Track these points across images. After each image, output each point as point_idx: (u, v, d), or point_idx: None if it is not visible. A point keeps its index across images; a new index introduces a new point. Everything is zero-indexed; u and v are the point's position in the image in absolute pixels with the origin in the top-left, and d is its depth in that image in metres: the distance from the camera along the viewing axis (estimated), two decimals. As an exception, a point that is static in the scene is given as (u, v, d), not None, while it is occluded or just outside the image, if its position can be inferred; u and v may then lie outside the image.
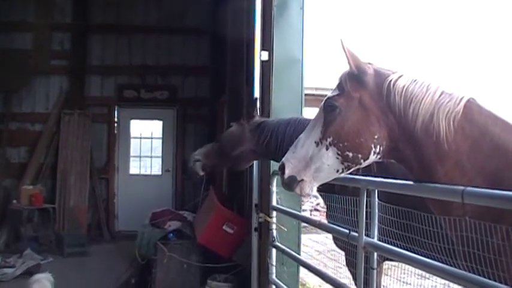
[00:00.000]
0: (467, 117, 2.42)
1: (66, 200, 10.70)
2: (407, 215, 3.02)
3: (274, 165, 5.16)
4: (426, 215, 2.81)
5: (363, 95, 2.60)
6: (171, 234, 7.04)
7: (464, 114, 2.42)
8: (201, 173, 4.82)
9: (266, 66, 5.45)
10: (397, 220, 3.09)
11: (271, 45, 5.36)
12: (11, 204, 10.02)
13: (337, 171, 2.69)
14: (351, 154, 2.60)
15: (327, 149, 2.64)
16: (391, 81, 2.56)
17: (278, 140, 4.16)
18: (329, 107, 2.66)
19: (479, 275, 2.27)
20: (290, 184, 2.74)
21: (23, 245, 9.33)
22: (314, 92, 13.36)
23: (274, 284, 5.00)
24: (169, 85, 12.09)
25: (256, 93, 5.46)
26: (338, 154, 2.62)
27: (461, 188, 2.25)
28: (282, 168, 2.74)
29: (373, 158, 2.63)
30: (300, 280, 5.84)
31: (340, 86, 2.69)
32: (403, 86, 2.52)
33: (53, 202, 10.57)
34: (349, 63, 2.61)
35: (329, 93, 2.74)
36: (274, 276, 5.01)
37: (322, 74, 13.05)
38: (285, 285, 4.86)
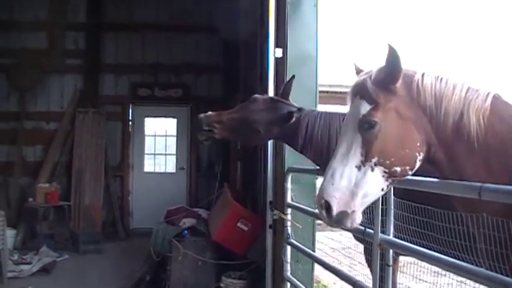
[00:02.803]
0: (495, 113, 2.34)
1: (81, 198, 10.75)
2: (423, 212, 3.01)
3: (289, 162, 5.16)
4: (443, 211, 2.79)
5: (397, 104, 2.43)
6: (186, 232, 7.06)
7: (492, 110, 2.34)
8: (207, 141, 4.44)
9: (280, 63, 5.45)
10: (413, 217, 3.07)
11: (285, 42, 5.36)
12: (27, 202, 10.08)
13: (382, 189, 2.50)
14: (399, 169, 2.43)
15: (372, 170, 2.42)
16: (417, 81, 2.43)
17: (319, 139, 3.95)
18: (366, 125, 2.43)
19: (501, 273, 2.24)
20: (340, 220, 2.44)
21: (39, 243, 9.40)
22: (328, 89, 13.34)
23: (289, 281, 5.00)
24: (183, 83, 12.11)
25: (271, 91, 5.45)
26: (385, 172, 2.42)
27: (479, 184, 2.23)
28: (328, 207, 2.43)
29: (417, 166, 2.48)
30: (315, 277, 5.84)
31: (369, 99, 2.48)
32: (431, 85, 2.41)
33: (68, 200, 10.62)
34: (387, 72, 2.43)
35: (359, 111, 2.49)
36: (288, 274, 5.02)
37: (336, 71, 13.02)
38: (300, 282, 4.86)
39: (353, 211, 2.43)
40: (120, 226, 11.45)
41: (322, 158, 3.87)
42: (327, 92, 13.45)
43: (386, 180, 2.45)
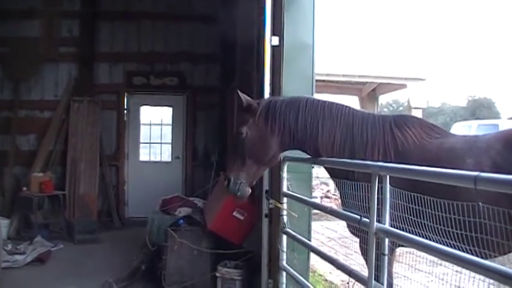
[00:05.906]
0: None
1: (76, 187, 10.74)
2: (420, 201, 3.00)
3: (285, 152, 5.12)
4: (439, 200, 2.78)
5: None
6: (181, 221, 7.03)
7: None
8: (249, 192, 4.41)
9: (277, 51, 5.39)
10: (410, 206, 3.06)
11: (282, 30, 5.30)
12: (21, 192, 10.06)
13: None
14: None
15: None
16: None
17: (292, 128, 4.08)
18: None
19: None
20: None
21: (33, 232, 9.38)
22: (324, 77, 13.31)
23: (285, 271, 4.99)
24: (178, 72, 12.06)
25: (267, 79, 5.41)
26: None
27: (475, 173, 2.22)
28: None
29: None
30: (311, 267, 5.83)
31: None
32: None
33: (63, 189, 10.62)
34: None
35: None
36: (284, 263, 5.00)
37: (332, 60, 12.99)
38: (296, 271, 4.85)
39: None
40: (115, 215, 11.44)
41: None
42: (323, 80, 13.43)
43: None
